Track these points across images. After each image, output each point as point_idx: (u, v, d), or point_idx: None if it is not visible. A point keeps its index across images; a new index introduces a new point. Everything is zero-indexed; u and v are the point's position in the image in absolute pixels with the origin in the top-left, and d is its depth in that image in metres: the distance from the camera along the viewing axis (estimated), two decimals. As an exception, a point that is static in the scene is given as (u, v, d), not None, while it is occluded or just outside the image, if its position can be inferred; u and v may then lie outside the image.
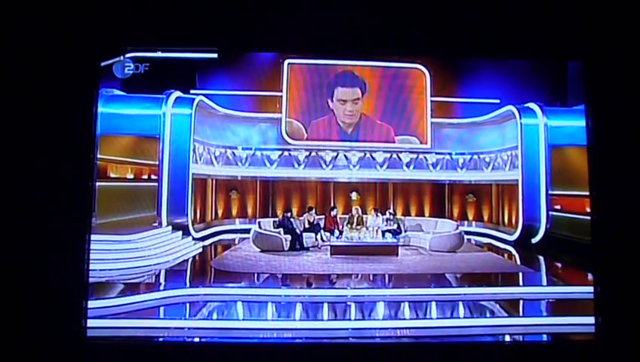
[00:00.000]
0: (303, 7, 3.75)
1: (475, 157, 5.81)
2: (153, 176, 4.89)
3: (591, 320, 3.69)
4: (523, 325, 3.91)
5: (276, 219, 5.46)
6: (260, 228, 5.34)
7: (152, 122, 4.94)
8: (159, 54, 4.09)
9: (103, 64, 3.85)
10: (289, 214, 5.46)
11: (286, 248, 5.29)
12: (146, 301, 3.88)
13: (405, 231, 5.70)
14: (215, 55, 4.09)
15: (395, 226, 5.59)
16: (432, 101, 5.46)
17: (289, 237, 5.34)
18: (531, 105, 5.18)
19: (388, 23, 3.83)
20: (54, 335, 3.26)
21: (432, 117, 5.50)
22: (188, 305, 3.98)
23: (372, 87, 5.42)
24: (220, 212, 5.72)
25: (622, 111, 3.69)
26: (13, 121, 3.44)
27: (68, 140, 3.48)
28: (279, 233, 5.34)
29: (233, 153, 5.57)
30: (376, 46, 3.99)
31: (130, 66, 4.06)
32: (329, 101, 5.51)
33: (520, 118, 5.30)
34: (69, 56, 3.55)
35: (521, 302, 4.20)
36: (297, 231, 5.42)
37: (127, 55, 4.02)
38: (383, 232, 5.55)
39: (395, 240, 5.44)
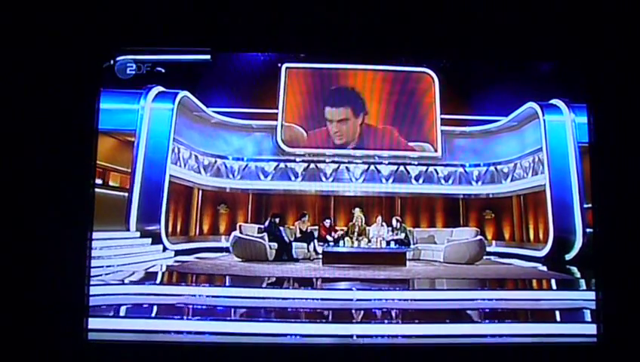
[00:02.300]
0: (298, 6, 3.61)
1: (492, 168, 5.29)
2: (112, 183, 4.34)
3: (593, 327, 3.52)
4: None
5: (261, 226, 4.73)
6: (240, 232, 4.58)
7: (128, 118, 4.50)
8: (148, 57, 3.94)
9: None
10: (277, 219, 4.72)
11: (271, 257, 4.54)
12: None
13: (415, 244, 4.87)
14: (208, 56, 3.92)
15: (402, 236, 4.77)
16: (441, 109, 5.17)
17: (275, 245, 4.55)
18: (555, 101, 4.62)
19: (391, 25, 3.67)
20: (55, 332, 3.22)
21: (441, 124, 5.21)
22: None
23: (378, 92, 5.12)
24: (205, 227, 5.18)
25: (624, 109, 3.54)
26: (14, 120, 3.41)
27: (69, 138, 3.45)
28: (263, 238, 4.57)
29: (224, 164, 5.16)
30: (377, 48, 3.82)
31: (132, 67, 3.91)
32: None
33: (543, 116, 4.75)
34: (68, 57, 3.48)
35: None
36: (286, 239, 4.65)
37: (119, 58, 3.88)
38: (388, 243, 4.75)
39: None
